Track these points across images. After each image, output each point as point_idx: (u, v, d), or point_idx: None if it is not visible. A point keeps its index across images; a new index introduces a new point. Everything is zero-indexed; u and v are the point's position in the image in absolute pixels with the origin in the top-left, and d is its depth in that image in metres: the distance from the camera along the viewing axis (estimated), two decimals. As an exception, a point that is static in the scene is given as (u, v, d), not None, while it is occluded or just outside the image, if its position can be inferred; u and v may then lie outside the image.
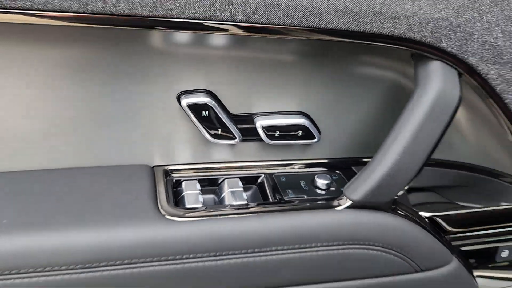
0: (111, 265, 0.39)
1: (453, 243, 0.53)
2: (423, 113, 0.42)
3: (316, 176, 0.50)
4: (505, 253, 0.57)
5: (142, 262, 0.39)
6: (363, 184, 0.44)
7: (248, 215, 0.43)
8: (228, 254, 0.41)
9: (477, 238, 0.55)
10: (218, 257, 0.41)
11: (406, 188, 0.45)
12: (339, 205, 0.45)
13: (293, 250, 0.42)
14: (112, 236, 0.39)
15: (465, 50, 0.42)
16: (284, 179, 0.51)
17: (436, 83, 0.42)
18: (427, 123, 0.42)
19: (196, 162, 0.51)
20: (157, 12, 0.35)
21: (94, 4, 0.33)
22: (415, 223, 0.47)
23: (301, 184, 0.50)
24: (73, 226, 0.39)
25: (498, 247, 0.56)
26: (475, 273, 0.57)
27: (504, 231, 0.56)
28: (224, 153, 0.51)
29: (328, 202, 0.46)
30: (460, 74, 0.44)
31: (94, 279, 0.38)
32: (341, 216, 0.44)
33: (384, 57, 0.49)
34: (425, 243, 0.47)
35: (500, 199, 0.57)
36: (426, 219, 0.50)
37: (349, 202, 0.45)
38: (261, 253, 0.42)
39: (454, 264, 0.50)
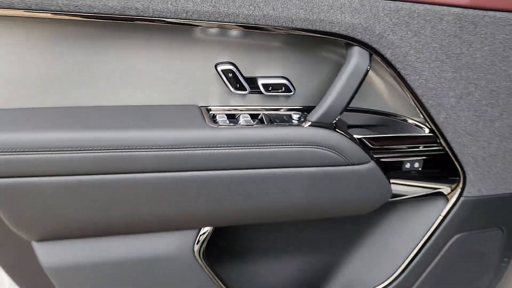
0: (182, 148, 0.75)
1: (375, 155, 0.90)
2: (347, 74, 0.80)
3: (292, 113, 0.88)
4: (407, 165, 0.94)
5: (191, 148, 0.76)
6: (317, 111, 0.81)
7: (250, 127, 0.80)
8: (239, 146, 0.78)
9: (391, 152, 0.92)
10: (234, 148, 0.78)
11: (339, 115, 0.82)
12: (303, 125, 0.83)
13: (270, 147, 0.79)
14: (174, 132, 0.76)
15: (371, 40, 0.79)
16: (274, 116, 0.88)
17: (355, 59, 0.80)
18: (349, 79, 0.80)
19: (224, 105, 0.88)
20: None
21: None
22: (346, 137, 0.84)
23: (284, 117, 0.88)
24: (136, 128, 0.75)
25: (403, 161, 0.94)
26: (392, 180, 0.94)
27: (406, 150, 0.93)
28: (240, 100, 0.88)
29: (300, 123, 0.84)
30: (371, 54, 0.82)
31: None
32: (302, 130, 0.81)
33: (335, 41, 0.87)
34: (352, 148, 0.84)
35: (406, 132, 0.94)
36: (356, 138, 0.88)
37: (309, 123, 0.83)
38: (254, 147, 0.79)
39: (372, 164, 0.87)
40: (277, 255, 1.08)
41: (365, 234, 1.09)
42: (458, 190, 0.99)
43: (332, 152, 0.82)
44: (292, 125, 0.83)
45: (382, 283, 1.05)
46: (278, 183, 0.82)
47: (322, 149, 0.81)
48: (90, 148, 0.71)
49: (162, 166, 0.75)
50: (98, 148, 0.71)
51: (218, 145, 0.76)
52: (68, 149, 0.70)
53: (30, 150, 0.69)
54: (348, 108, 0.92)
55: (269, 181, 0.81)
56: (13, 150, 0.68)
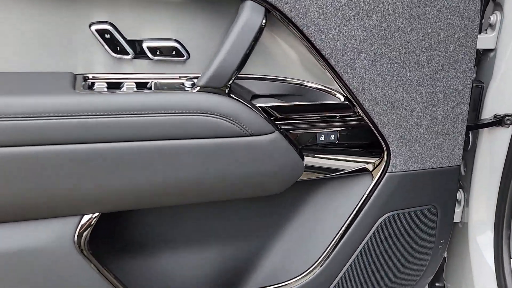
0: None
1: (284, 127, 0.81)
2: (237, 31, 0.70)
3: (185, 80, 0.78)
4: (322, 137, 0.85)
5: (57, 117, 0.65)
6: (205, 74, 0.71)
7: (124, 93, 0.70)
8: (113, 115, 0.68)
9: (302, 123, 0.83)
10: (106, 116, 0.67)
11: (232, 78, 0.72)
12: (191, 90, 0.73)
13: (155, 115, 0.69)
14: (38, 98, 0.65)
15: None
16: (164, 84, 0.78)
17: (246, 14, 0.70)
18: (240, 37, 0.70)
19: (108, 72, 0.77)
20: None
21: None
22: (244, 104, 0.75)
23: (175, 86, 0.78)
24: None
25: (316, 132, 0.85)
26: (306, 155, 0.85)
27: (319, 120, 0.84)
28: (127, 67, 0.77)
29: (186, 89, 0.74)
30: (267, 10, 0.72)
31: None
32: (188, 95, 0.72)
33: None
34: (251, 116, 0.75)
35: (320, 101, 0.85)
36: (260, 107, 0.78)
37: (197, 88, 0.73)
38: (132, 115, 0.69)
39: (276, 135, 0.78)
40: (186, 246, 0.98)
41: (287, 218, 1.00)
42: (383, 165, 0.90)
43: (226, 120, 0.72)
44: (178, 91, 0.73)
45: (307, 270, 0.96)
46: (165, 158, 0.72)
47: (214, 117, 0.72)
48: None
49: (20, 138, 0.64)
50: None
51: (87, 113, 0.66)
52: None
53: None
54: (254, 76, 0.82)
55: (154, 156, 0.71)
56: None
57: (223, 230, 1.00)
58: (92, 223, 0.76)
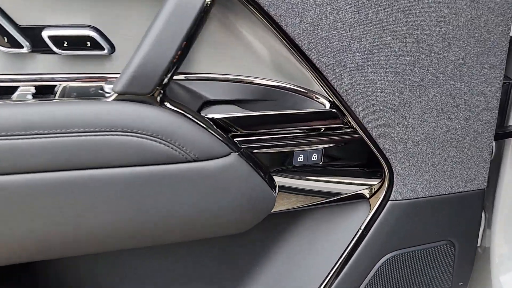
0: None
1: (246, 144, 0.59)
2: (167, 12, 0.48)
3: (105, 83, 0.56)
4: (300, 158, 0.63)
5: None
6: (123, 76, 0.49)
7: (9, 104, 0.48)
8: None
9: (272, 140, 0.61)
10: None
11: (164, 82, 0.51)
12: (106, 99, 0.51)
13: (56, 134, 0.48)
14: None
15: None
16: (76, 89, 0.56)
17: None
18: (171, 22, 0.48)
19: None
20: None
21: None
22: (186, 117, 0.53)
23: (91, 91, 0.56)
24: None
25: (293, 151, 0.62)
26: (277, 177, 0.63)
27: (297, 134, 0.62)
28: (22, 64, 0.56)
29: (100, 97, 0.52)
30: None
31: None
32: (102, 106, 0.50)
33: None
34: (196, 134, 0.53)
35: (297, 108, 0.63)
36: (208, 119, 0.56)
37: (114, 95, 0.51)
38: (24, 137, 0.47)
39: (232, 158, 0.56)
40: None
41: (263, 257, 0.78)
42: (383, 191, 0.68)
43: (156, 141, 0.50)
44: (85, 99, 0.51)
45: None
46: (65, 198, 0.50)
47: (138, 136, 0.50)
48: None
49: None
50: None
51: None
52: None
53: None
54: (208, 76, 0.61)
55: (51, 193, 0.49)
56: None
57: (187, 273, 0.78)
58: None
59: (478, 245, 0.84)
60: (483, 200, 0.74)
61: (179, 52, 0.49)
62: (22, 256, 0.54)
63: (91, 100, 0.51)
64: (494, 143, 0.79)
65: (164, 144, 0.51)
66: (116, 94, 0.51)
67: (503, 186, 0.83)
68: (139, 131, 0.50)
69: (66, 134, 0.48)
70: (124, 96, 0.50)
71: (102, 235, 0.54)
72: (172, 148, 0.51)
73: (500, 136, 0.76)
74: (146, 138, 0.50)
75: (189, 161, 0.53)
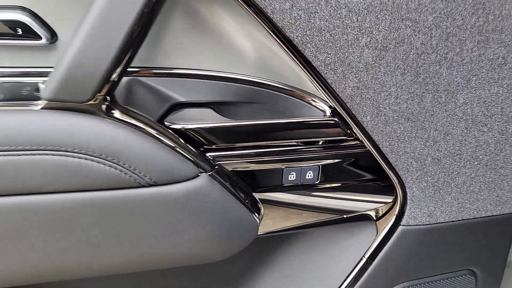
0: None
1: (222, 160, 0.47)
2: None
3: (41, 82, 0.44)
4: (292, 176, 0.51)
5: None
6: (51, 79, 0.37)
7: None
8: None
9: (253, 156, 0.49)
10: None
11: (107, 86, 0.38)
12: (32, 107, 0.39)
13: None
14: None
15: None
16: (3, 86, 0.44)
17: None
18: (112, 7, 0.35)
19: None
20: None
21: None
22: (140, 130, 0.41)
23: (22, 92, 0.44)
24: None
25: (283, 169, 0.50)
26: (266, 197, 0.51)
27: (287, 149, 0.50)
28: None
29: (25, 105, 0.40)
30: None
31: None
32: (29, 117, 0.38)
33: None
34: (152, 153, 0.41)
35: (292, 115, 0.51)
36: (172, 130, 0.44)
37: (44, 103, 0.39)
38: None
39: (202, 181, 0.44)
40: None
41: (255, 285, 0.67)
42: (394, 214, 0.56)
43: (99, 161, 0.39)
44: (6, 107, 0.40)
45: None
46: None
47: (76, 156, 0.38)
48: None
49: None
50: None
51: None
52: None
53: None
54: (182, 72, 0.48)
55: None
56: None
57: None
58: None
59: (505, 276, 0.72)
60: None
61: (127, 45, 0.37)
62: None
63: (14, 109, 0.39)
64: None
65: (110, 166, 0.39)
66: (45, 102, 0.39)
67: None
68: (75, 150, 0.38)
69: None
70: (56, 104, 0.38)
71: (40, 267, 0.44)
72: (120, 170, 0.40)
73: None
74: (85, 158, 0.39)
75: (143, 186, 0.41)
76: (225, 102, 0.50)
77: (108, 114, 0.40)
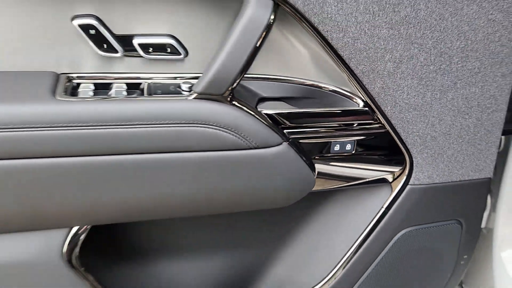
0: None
1: (293, 136, 0.72)
2: (241, 28, 0.60)
3: (182, 82, 0.68)
4: (336, 147, 0.75)
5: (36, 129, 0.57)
6: (202, 80, 0.62)
7: (110, 100, 0.61)
8: (101, 126, 0.59)
9: (314, 132, 0.73)
10: (91, 127, 0.59)
11: (234, 85, 0.63)
12: (187, 97, 0.64)
13: (147, 126, 0.61)
14: (13, 107, 0.57)
15: None
16: (158, 86, 0.68)
17: (251, 8, 0.60)
18: (243, 35, 0.60)
19: (95, 72, 0.68)
20: None
21: None
22: (248, 112, 0.65)
23: (170, 88, 0.68)
24: None
25: (331, 142, 0.75)
26: (317, 164, 0.75)
27: (334, 127, 0.74)
28: (118, 66, 0.68)
29: (182, 95, 0.64)
30: (276, 4, 0.62)
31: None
32: (183, 103, 0.62)
33: None
34: (256, 127, 0.65)
35: (335, 106, 0.75)
36: (265, 114, 0.69)
37: (195, 95, 0.63)
38: (126, 126, 0.60)
39: (285, 147, 0.68)
40: (190, 255, 0.91)
41: (298, 228, 0.92)
42: (404, 177, 0.81)
43: (227, 132, 0.63)
44: (172, 98, 0.64)
45: (317, 284, 0.88)
46: (158, 172, 0.63)
47: (213, 128, 0.63)
48: None
49: (6, 152, 0.57)
50: None
51: (70, 124, 0.58)
52: None
53: None
54: (262, 76, 0.73)
55: (147, 170, 0.63)
56: None
57: (229, 240, 0.92)
58: (81, 235, 0.69)
59: (483, 226, 0.96)
60: (489, 187, 0.87)
61: (248, 60, 0.61)
62: (115, 217, 0.67)
63: (177, 98, 0.63)
64: (503, 138, 0.91)
65: (232, 135, 0.64)
66: (196, 94, 0.63)
67: (508, 176, 0.95)
68: (213, 124, 0.62)
69: (161, 125, 0.61)
70: (202, 96, 0.63)
71: (176, 203, 0.68)
72: (238, 137, 0.64)
73: (508, 132, 0.87)
74: (219, 130, 0.63)
75: (251, 148, 0.66)
76: (293, 97, 0.74)
77: (231, 102, 0.65)
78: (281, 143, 0.68)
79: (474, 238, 0.92)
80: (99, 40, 0.64)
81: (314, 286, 0.89)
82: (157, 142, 0.62)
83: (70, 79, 0.66)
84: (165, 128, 0.61)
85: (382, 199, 0.84)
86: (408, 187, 0.81)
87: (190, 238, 0.91)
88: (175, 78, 0.70)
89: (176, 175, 0.65)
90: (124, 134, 0.60)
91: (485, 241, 1.05)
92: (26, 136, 0.57)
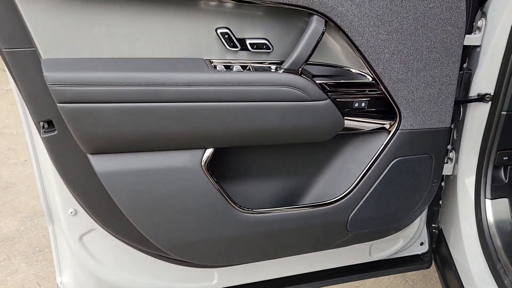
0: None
1: (332, 96, 1.25)
2: (308, 34, 1.14)
3: (271, 65, 1.22)
4: (356, 104, 1.29)
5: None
6: (288, 61, 1.16)
7: (240, 72, 1.15)
8: (233, 85, 1.13)
9: (343, 94, 1.27)
10: (229, 86, 1.13)
11: (303, 65, 1.17)
12: (278, 71, 1.18)
13: (255, 86, 1.14)
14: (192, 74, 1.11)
15: (326, 11, 1.13)
16: (257, 67, 1.22)
17: (313, 24, 1.14)
18: (310, 38, 1.14)
19: (221, 59, 1.22)
20: None
21: None
22: (309, 80, 1.19)
23: (265, 68, 1.22)
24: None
25: (352, 101, 1.29)
26: (345, 116, 1.29)
27: (355, 93, 1.27)
28: (233, 55, 1.22)
29: (274, 71, 1.19)
30: (326, 21, 1.16)
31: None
32: (277, 75, 1.16)
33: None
34: (313, 88, 1.19)
35: (354, 79, 1.29)
36: (318, 82, 1.22)
37: (282, 70, 1.17)
38: (244, 86, 1.14)
39: (328, 101, 1.22)
40: (263, 176, 1.44)
41: (327, 160, 1.45)
42: (396, 125, 1.34)
43: (298, 90, 1.17)
44: (269, 72, 1.18)
45: (340, 196, 1.41)
46: (259, 113, 1.17)
47: (291, 88, 1.16)
48: (133, 84, 1.06)
49: (180, 98, 1.10)
50: (138, 84, 1.06)
51: (219, 84, 1.11)
52: (119, 84, 1.05)
53: (94, 84, 1.04)
54: (312, 62, 1.27)
55: (254, 112, 1.16)
56: (82, 84, 1.03)
57: (283, 169, 1.46)
58: (210, 154, 1.22)
59: (451, 173, 1.51)
60: (449, 134, 1.40)
61: (311, 53, 1.15)
62: (228, 142, 1.21)
63: (273, 72, 1.17)
64: (462, 109, 1.45)
65: (301, 92, 1.17)
66: (283, 70, 1.17)
67: (465, 134, 1.49)
68: (292, 86, 1.16)
69: (263, 86, 1.14)
70: (286, 71, 1.17)
71: (267, 134, 1.21)
72: (304, 94, 1.18)
73: (462, 101, 1.42)
74: (295, 89, 1.17)
75: (310, 101, 1.19)
76: (331, 75, 1.28)
77: (300, 75, 1.18)
78: (326, 99, 1.22)
79: (440, 167, 1.45)
80: (228, 40, 1.18)
81: (340, 196, 1.42)
82: (260, 96, 1.15)
83: (211, 62, 1.20)
84: (266, 88, 1.15)
85: (382, 140, 1.37)
86: (398, 131, 1.35)
87: (260, 167, 1.44)
88: (267, 63, 1.24)
89: (268, 115, 1.18)
90: (242, 90, 1.14)
91: (453, 185, 1.59)
92: (195, 90, 1.11)
